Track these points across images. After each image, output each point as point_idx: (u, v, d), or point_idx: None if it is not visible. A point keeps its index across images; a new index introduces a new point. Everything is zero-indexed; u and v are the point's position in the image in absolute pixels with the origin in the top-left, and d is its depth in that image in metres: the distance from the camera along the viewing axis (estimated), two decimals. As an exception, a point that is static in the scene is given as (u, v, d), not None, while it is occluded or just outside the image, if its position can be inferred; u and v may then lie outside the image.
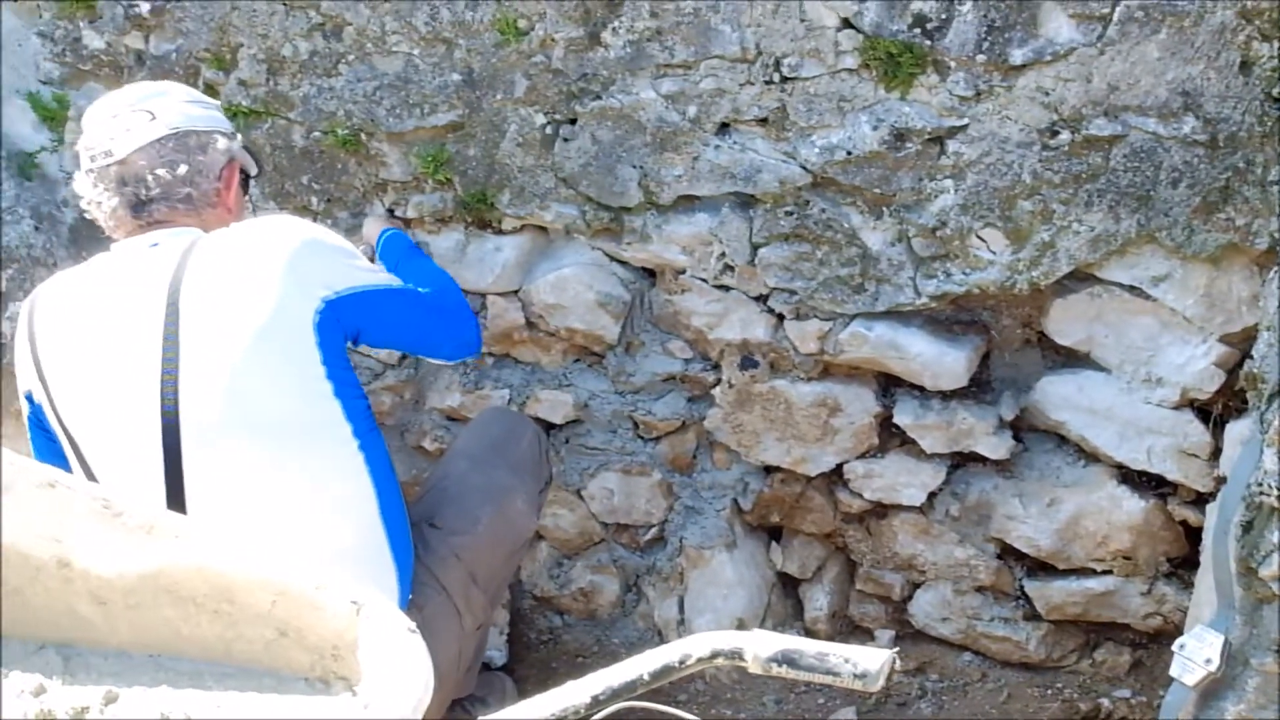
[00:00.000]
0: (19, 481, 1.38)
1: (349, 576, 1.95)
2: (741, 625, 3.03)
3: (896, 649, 1.36)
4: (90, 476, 2.08)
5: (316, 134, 2.99)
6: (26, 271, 2.99)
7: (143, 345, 2.06)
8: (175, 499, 2.03)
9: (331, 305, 2.15)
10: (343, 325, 2.17)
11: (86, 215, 2.32)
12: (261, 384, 2.07)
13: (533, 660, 3.12)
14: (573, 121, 2.81)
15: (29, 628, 1.41)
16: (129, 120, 2.23)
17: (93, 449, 2.09)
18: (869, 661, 1.32)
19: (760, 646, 1.35)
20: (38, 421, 2.22)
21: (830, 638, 3.09)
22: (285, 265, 2.13)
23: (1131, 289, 2.57)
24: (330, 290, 2.16)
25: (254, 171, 2.45)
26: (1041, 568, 2.89)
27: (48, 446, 2.22)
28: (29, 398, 2.21)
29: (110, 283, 2.16)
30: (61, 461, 2.13)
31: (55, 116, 3.20)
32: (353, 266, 2.26)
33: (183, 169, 2.24)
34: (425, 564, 2.30)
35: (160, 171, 2.22)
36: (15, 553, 1.39)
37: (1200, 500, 2.64)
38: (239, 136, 2.40)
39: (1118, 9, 2.36)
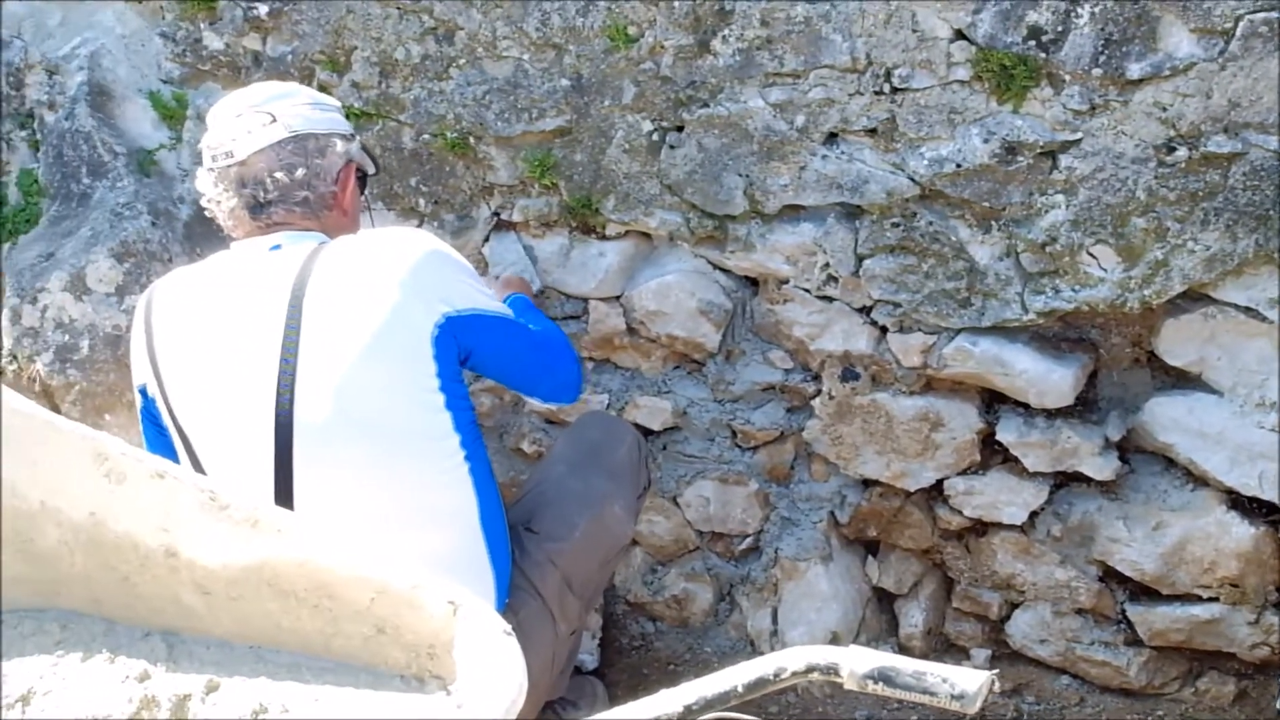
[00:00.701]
0: (132, 472, 1.41)
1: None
2: (835, 639, 3.01)
3: (996, 670, 1.33)
4: (199, 471, 2.12)
5: (426, 136, 3.02)
6: (143, 266, 3.06)
7: (262, 345, 2.09)
8: (283, 497, 2.06)
9: (451, 321, 2.16)
10: (458, 343, 2.18)
11: (206, 212, 2.36)
12: (375, 388, 2.09)
13: (624, 665, 3.12)
14: (679, 129, 2.81)
15: (136, 614, 1.44)
16: (250, 121, 2.26)
17: (204, 444, 2.13)
18: (967, 682, 1.30)
19: (856, 662, 1.33)
20: (150, 415, 2.27)
21: (925, 655, 3.06)
22: (409, 275, 2.14)
23: (1247, 310, 2.51)
24: (451, 306, 2.17)
25: (371, 171, 2.48)
26: (1145, 592, 2.83)
27: (158, 440, 2.26)
28: (142, 391, 2.25)
29: (231, 282, 2.19)
30: (171, 455, 2.17)
31: (174, 115, 3.27)
32: (474, 288, 2.27)
33: (300, 172, 2.26)
34: (521, 569, 2.31)
35: (279, 174, 2.24)
36: (127, 541, 1.42)
37: (1314, 529, 2.57)
38: (357, 137, 2.42)
39: (1240, 24, 2.30)
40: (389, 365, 2.10)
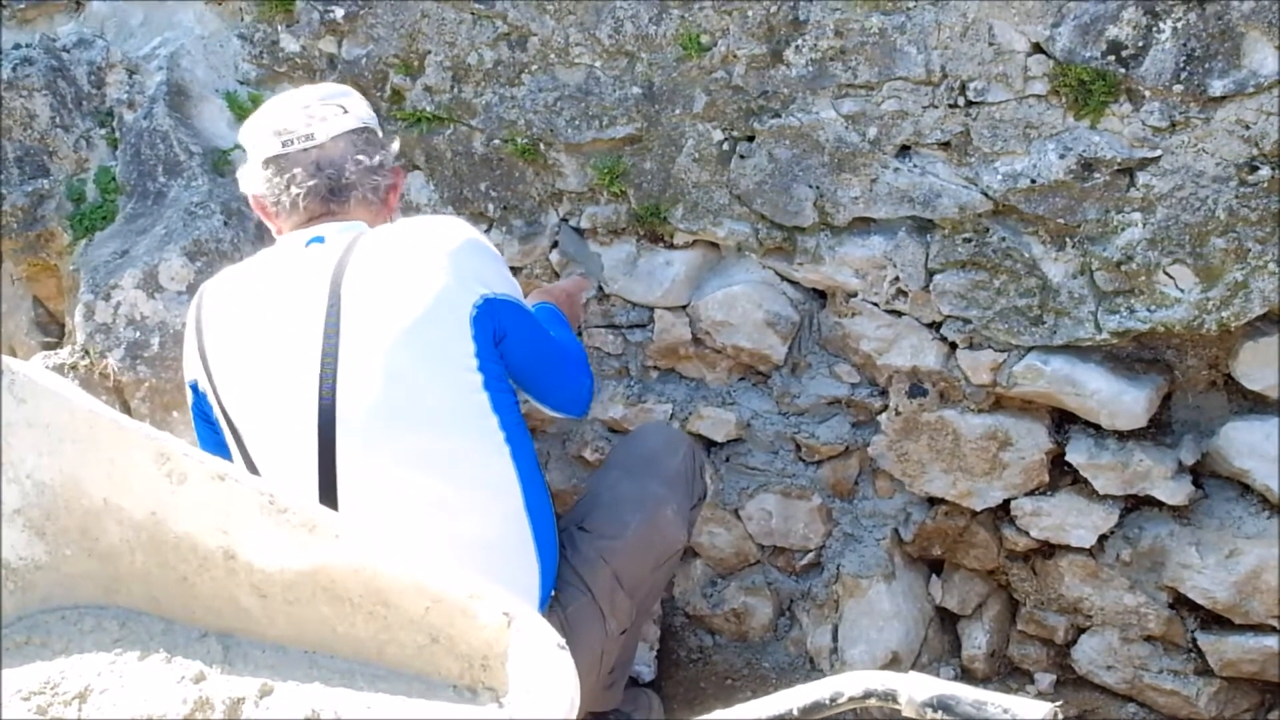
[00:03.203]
0: (194, 473, 1.43)
1: (491, 567, 1.99)
2: (896, 658, 2.97)
3: (1060, 703, 1.30)
4: (250, 465, 2.15)
5: (496, 142, 3.03)
6: (214, 265, 3.09)
7: (304, 335, 2.12)
8: (327, 483, 2.08)
9: (489, 303, 2.18)
10: (494, 323, 2.19)
11: (253, 201, 2.38)
12: (416, 368, 2.10)
13: (681, 678, 3.10)
14: (750, 139, 2.80)
15: (193, 615, 1.46)
16: (324, 110, 2.32)
17: (253, 437, 2.16)
18: (1030, 712, 1.28)
19: (916, 689, 1.31)
20: (201, 413, 2.30)
21: (988, 677, 3.01)
22: (449, 258, 2.17)
23: (1328, 335, 2.45)
24: (489, 289, 2.20)
25: (407, 169, 2.54)
26: (1216, 621, 2.76)
27: (211, 437, 2.29)
28: (193, 387, 2.28)
29: (276, 275, 2.22)
30: (223, 452, 2.21)
31: (249, 115, 3.30)
32: (507, 278, 2.32)
33: (377, 159, 2.33)
34: (571, 564, 2.33)
35: (360, 158, 2.30)
36: (187, 541, 1.43)
37: (1394, 562, 2.50)
38: (396, 140, 2.53)
39: (1329, 41, 2.25)
40: (428, 344, 2.12)
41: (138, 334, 3.10)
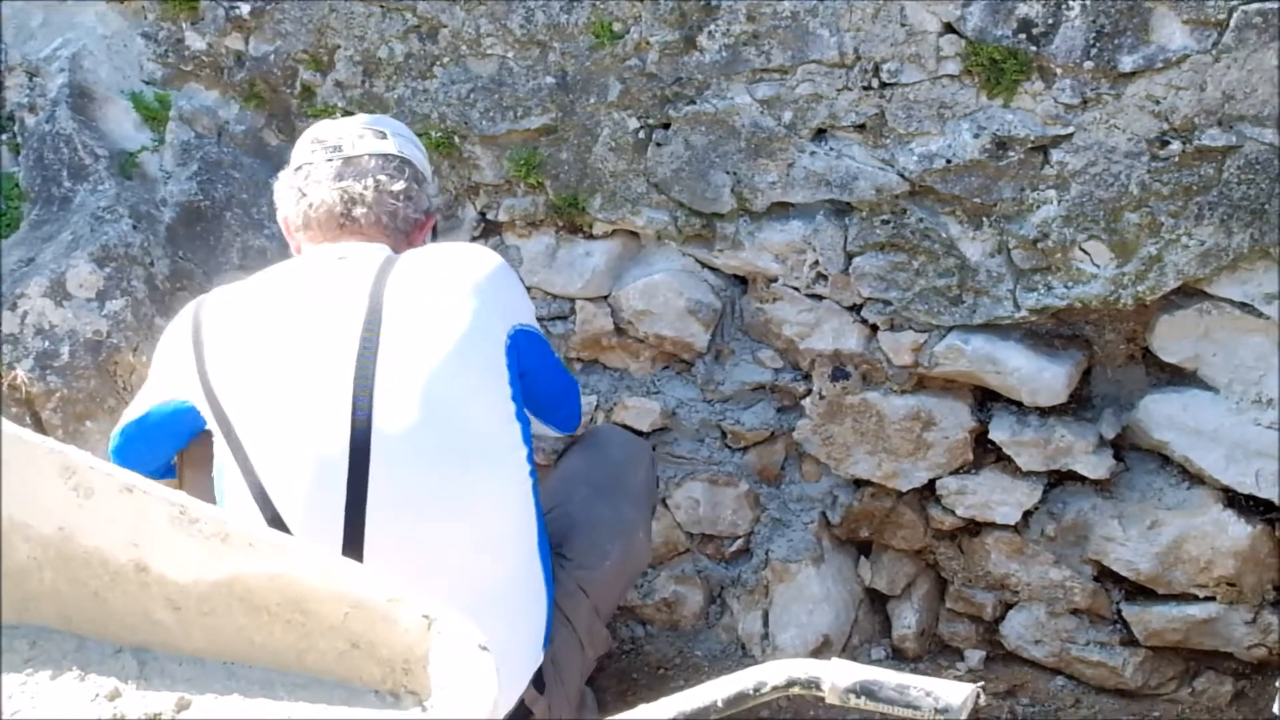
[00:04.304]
0: (101, 485, 1.39)
1: (509, 610, 2.00)
2: (827, 642, 2.98)
3: (981, 683, 1.31)
4: (254, 483, 2.03)
5: (410, 136, 2.99)
6: (124, 270, 3.03)
7: (337, 351, 2.03)
8: (356, 504, 1.99)
9: (519, 334, 2.16)
10: (521, 357, 2.17)
11: (281, 219, 2.33)
12: (459, 394, 2.04)
13: (613, 670, 3.09)
14: (666, 126, 2.78)
15: (107, 631, 1.42)
16: (362, 131, 2.30)
17: (265, 455, 2.03)
18: (952, 695, 1.28)
19: (838, 676, 1.31)
20: (173, 432, 2.18)
21: (918, 656, 3.03)
22: (487, 284, 2.14)
23: (1243, 306, 2.48)
24: (519, 320, 2.19)
25: (441, 224, 2.49)
26: (1140, 592, 2.80)
27: (161, 458, 2.21)
28: (177, 408, 2.14)
29: (299, 290, 2.13)
30: (170, 475, 2.14)
31: (156, 116, 3.24)
32: (530, 307, 2.31)
33: (400, 184, 2.27)
34: (553, 597, 2.27)
35: (382, 178, 2.25)
36: (96, 556, 1.40)
37: (1311, 527, 2.55)
38: (440, 194, 2.44)
39: (1234, 15, 2.28)
40: (471, 370, 2.07)
41: (46, 343, 3.03)
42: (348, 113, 2.99)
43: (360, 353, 2.01)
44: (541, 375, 2.26)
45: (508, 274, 2.25)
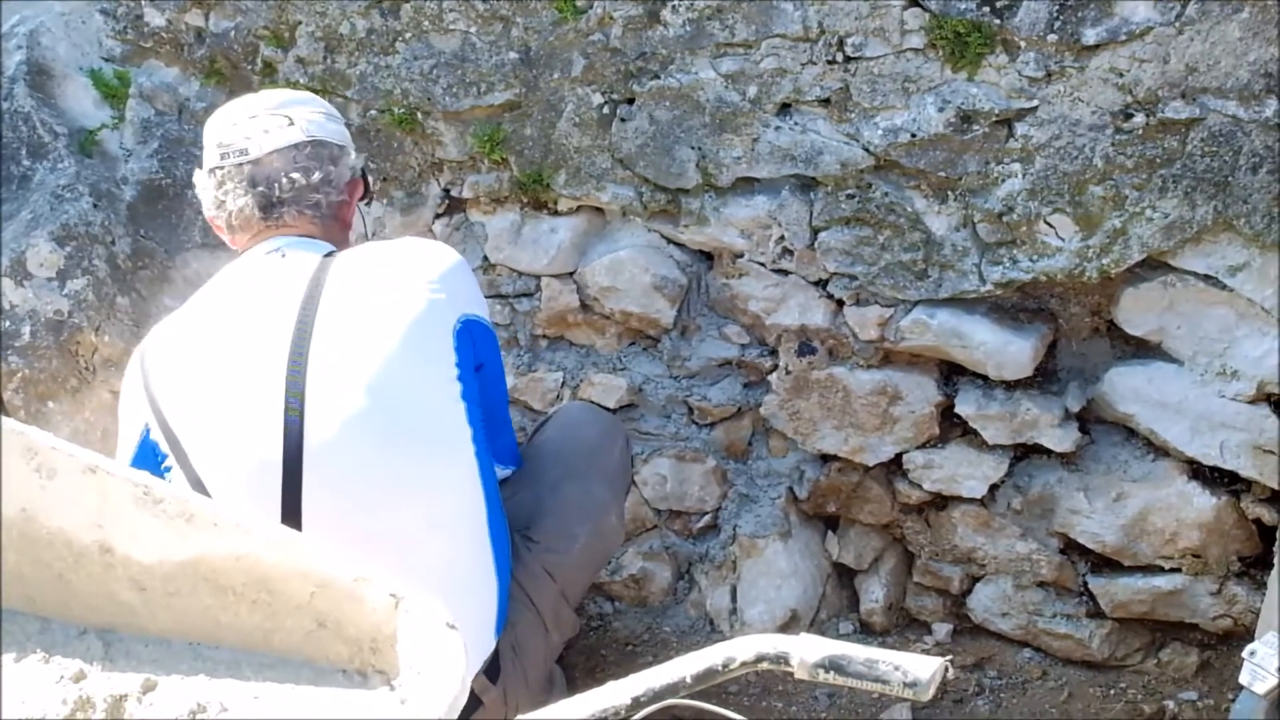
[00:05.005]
0: (64, 466, 1.38)
1: (454, 593, 1.94)
2: (795, 616, 2.99)
3: (949, 657, 1.32)
4: (196, 479, 2.02)
5: (373, 113, 2.97)
6: (84, 249, 3.00)
7: (270, 349, 2.02)
8: (291, 507, 1.98)
9: (471, 324, 2.16)
10: (475, 348, 2.16)
11: (208, 217, 2.31)
12: (399, 373, 2.03)
13: (582, 647, 3.09)
14: (630, 101, 2.77)
15: (71, 612, 1.42)
16: (267, 122, 2.25)
17: (209, 466, 2.02)
18: (920, 669, 1.28)
19: (807, 651, 1.31)
20: (147, 458, 2.13)
21: (886, 630, 3.05)
22: (438, 276, 2.14)
23: (1207, 278, 2.49)
24: (472, 311, 2.18)
25: (374, 186, 2.46)
26: (1106, 564, 2.82)
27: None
28: (142, 441, 2.12)
29: (235, 296, 2.13)
30: None
31: (116, 93, 3.20)
32: (486, 310, 2.29)
33: (316, 176, 2.25)
34: (516, 578, 2.25)
35: (295, 175, 2.23)
36: (60, 537, 1.39)
37: (1275, 498, 2.57)
38: (362, 157, 2.40)
39: (1196, -12, 2.28)
40: (411, 348, 2.05)
41: (7, 323, 3.00)
42: (311, 90, 2.96)
43: (292, 355, 2.01)
44: (496, 377, 2.26)
45: (465, 270, 2.25)
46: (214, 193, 2.26)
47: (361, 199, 2.46)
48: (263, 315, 2.06)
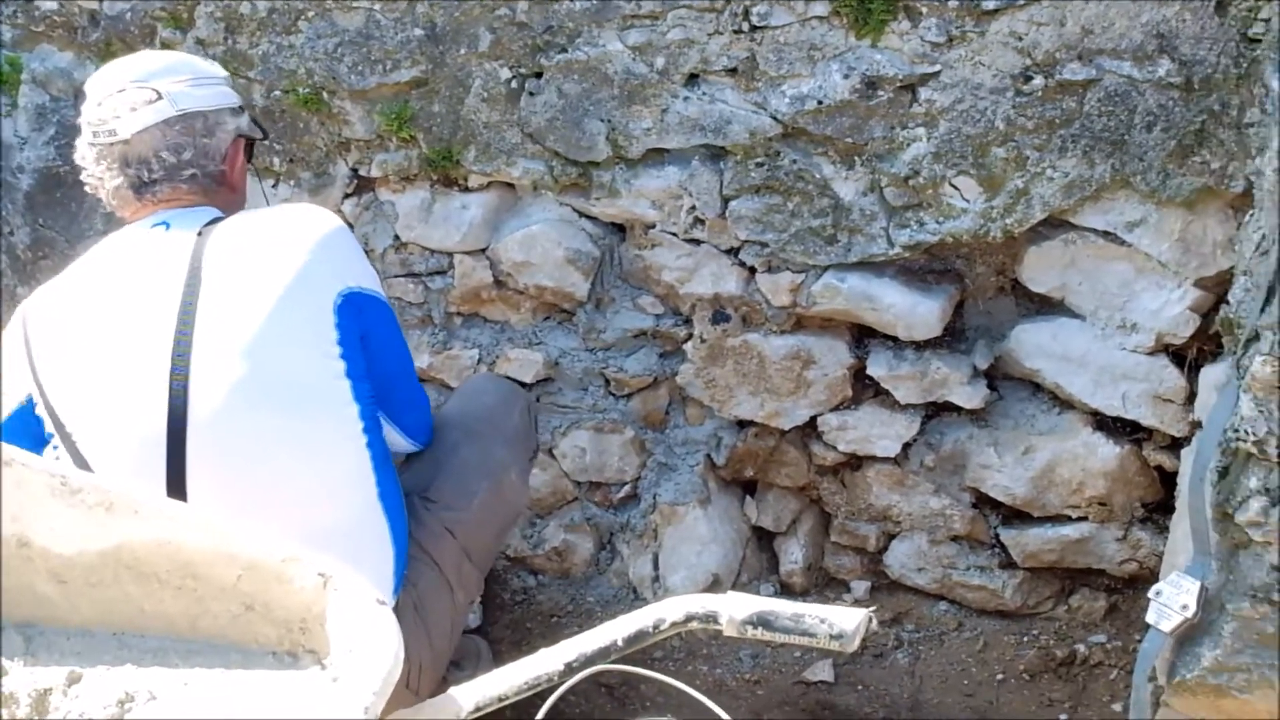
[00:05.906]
0: (-26, 460, 1.35)
1: (345, 555, 1.92)
2: (716, 581, 3.02)
3: (874, 608, 1.34)
4: (82, 463, 2.00)
5: (277, 93, 2.93)
6: (-17, 238, 2.94)
7: (155, 322, 1.99)
8: (176, 477, 1.97)
9: (354, 296, 2.12)
10: (360, 319, 2.12)
11: (88, 188, 2.25)
12: (278, 347, 2.01)
13: (507, 621, 3.10)
14: (538, 75, 2.77)
15: (-10, 608, 1.39)
16: (134, 97, 2.17)
17: (89, 438, 2.00)
18: (845, 621, 1.31)
19: (735, 609, 1.34)
20: (24, 433, 2.10)
21: (806, 590, 3.09)
22: (317, 245, 2.09)
23: (1106, 235, 2.55)
24: (356, 282, 2.13)
25: (259, 137, 2.40)
26: (1017, 516, 2.89)
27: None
28: (21, 409, 2.09)
29: (117, 268, 2.09)
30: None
31: (8, 80, 3.13)
32: (373, 274, 2.23)
33: (188, 153, 2.19)
34: (416, 539, 2.25)
35: (165, 154, 2.17)
36: (-27, 532, 1.36)
37: (1175, 445, 2.64)
38: (245, 109, 2.34)
39: (1089, -49, 2.33)
40: (289, 324, 2.03)
41: (-94, 317, 2.93)
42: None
43: (179, 325, 1.99)
44: (387, 346, 2.22)
45: (345, 237, 2.19)
46: (93, 167, 2.20)
47: (261, 140, 2.42)
48: (146, 290, 2.03)
